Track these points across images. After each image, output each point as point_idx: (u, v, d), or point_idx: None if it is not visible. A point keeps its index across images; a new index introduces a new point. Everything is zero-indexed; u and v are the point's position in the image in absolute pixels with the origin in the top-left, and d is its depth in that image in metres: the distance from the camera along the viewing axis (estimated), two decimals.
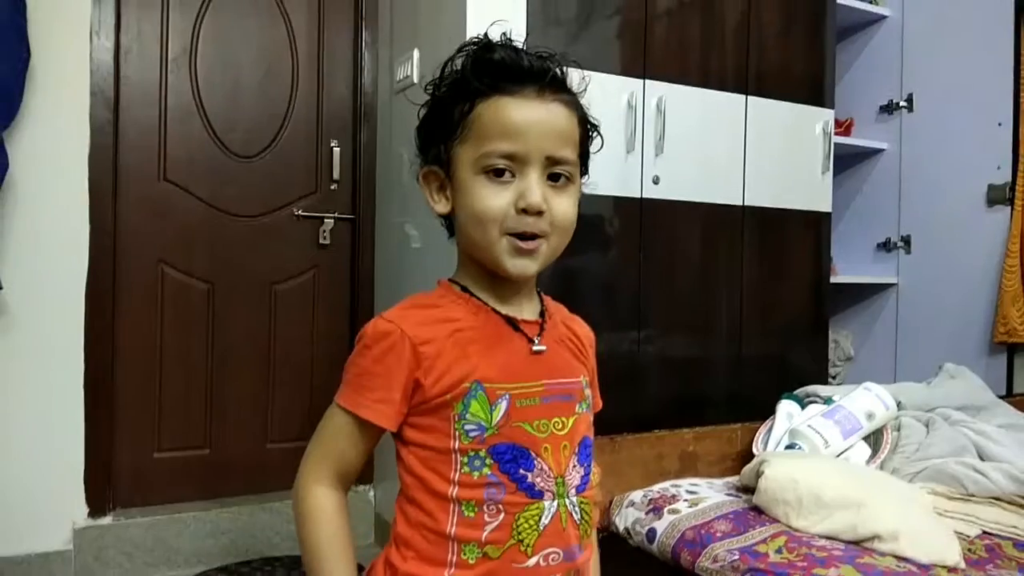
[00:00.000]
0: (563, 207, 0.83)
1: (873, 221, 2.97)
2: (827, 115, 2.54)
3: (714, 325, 2.35)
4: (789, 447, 1.79)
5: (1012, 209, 2.50)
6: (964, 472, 1.65)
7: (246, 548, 2.46)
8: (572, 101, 0.85)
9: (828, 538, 1.42)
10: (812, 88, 2.52)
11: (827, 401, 1.93)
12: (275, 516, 2.51)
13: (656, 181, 2.20)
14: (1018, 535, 1.49)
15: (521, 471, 0.80)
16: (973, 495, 1.62)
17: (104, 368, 2.31)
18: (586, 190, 0.91)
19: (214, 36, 2.49)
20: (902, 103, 2.87)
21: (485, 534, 0.79)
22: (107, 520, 2.32)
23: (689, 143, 2.27)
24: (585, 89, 0.88)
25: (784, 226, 2.46)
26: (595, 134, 0.90)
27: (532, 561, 0.80)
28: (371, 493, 2.62)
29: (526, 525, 0.79)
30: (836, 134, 2.63)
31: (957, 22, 2.70)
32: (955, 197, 2.69)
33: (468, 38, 0.87)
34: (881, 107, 2.94)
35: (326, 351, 2.65)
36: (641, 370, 2.21)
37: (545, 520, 0.80)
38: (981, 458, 1.74)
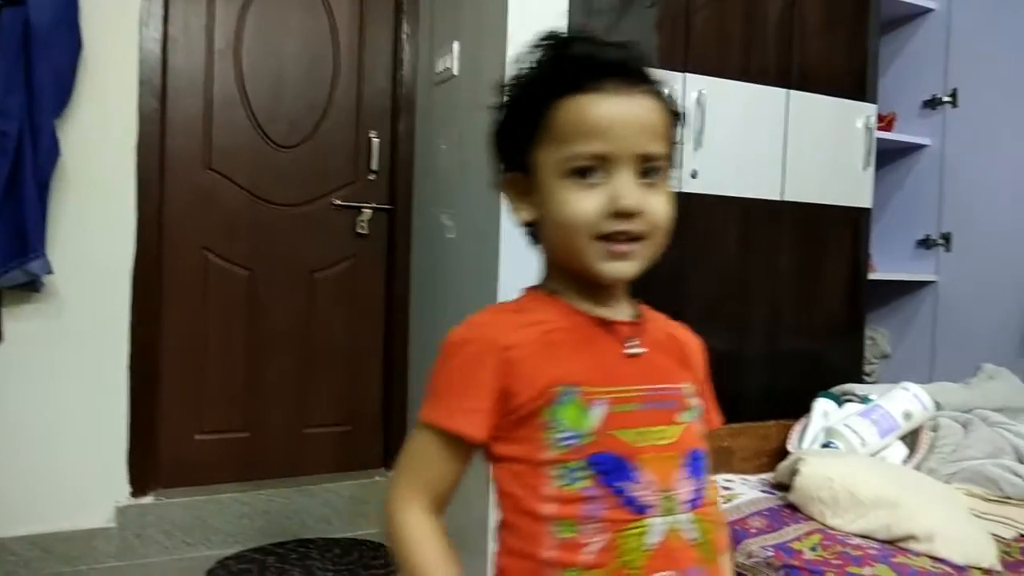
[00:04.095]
0: (658, 205, 0.76)
1: (913, 218, 2.93)
2: (869, 109, 2.51)
3: (750, 320, 2.34)
4: (825, 445, 1.78)
5: None
6: (1001, 474, 1.64)
7: (282, 530, 2.51)
8: (658, 92, 0.78)
9: (863, 537, 1.42)
10: (855, 82, 2.49)
11: (864, 400, 1.92)
12: (311, 499, 2.55)
13: (694, 175, 2.20)
14: None
15: (622, 483, 0.72)
16: (1010, 497, 1.61)
17: (149, 352, 2.37)
18: None
19: (258, 28, 2.52)
20: (946, 98, 2.82)
21: (585, 557, 0.71)
22: (149, 499, 2.38)
23: (729, 137, 2.25)
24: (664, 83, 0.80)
25: (823, 222, 2.44)
26: (681, 124, 0.82)
27: None
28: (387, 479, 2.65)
29: (631, 545, 0.71)
30: (878, 129, 2.59)
31: (1003, 16, 2.64)
32: (997, 195, 2.64)
33: (545, 33, 0.81)
34: (924, 102, 2.89)
35: (363, 339, 2.69)
36: None
37: (652, 539, 0.72)
38: (1019, 460, 1.72)
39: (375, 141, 2.66)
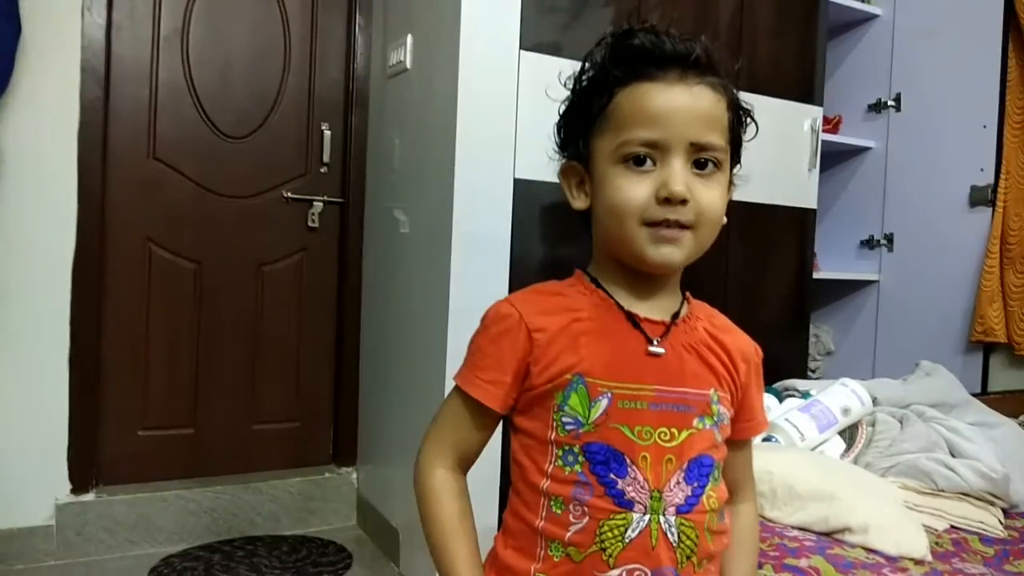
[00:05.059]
0: (709, 196, 0.78)
1: (857, 218, 3.01)
2: (816, 112, 2.56)
3: None
4: (765, 439, 1.82)
5: (993, 211, 2.53)
6: (935, 468, 1.69)
7: (228, 527, 2.48)
8: (720, 84, 0.79)
9: (800, 529, 1.45)
10: (802, 85, 2.54)
11: (804, 395, 1.96)
12: (257, 496, 2.52)
13: None
14: (984, 530, 1.53)
15: (611, 475, 0.76)
16: (943, 490, 1.66)
17: (90, 345, 2.31)
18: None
19: (207, 15, 2.47)
20: (890, 102, 2.90)
21: (568, 534, 0.76)
22: (90, 496, 2.32)
23: None
24: (736, 75, 0.83)
25: (769, 222, 2.49)
26: (749, 120, 0.85)
27: (614, 573, 0.75)
28: (354, 476, 2.64)
29: (610, 534, 0.75)
30: (824, 131, 2.65)
31: (947, 23, 2.72)
32: (938, 197, 2.73)
33: (608, 30, 0.83)
34: (869, 106, 2.97)
35: (313, 334, 2.66)
36: None
37: (631, 533, 0.75)
38: (952, 454, 1.78)
39: (327, 133, 2.63)
